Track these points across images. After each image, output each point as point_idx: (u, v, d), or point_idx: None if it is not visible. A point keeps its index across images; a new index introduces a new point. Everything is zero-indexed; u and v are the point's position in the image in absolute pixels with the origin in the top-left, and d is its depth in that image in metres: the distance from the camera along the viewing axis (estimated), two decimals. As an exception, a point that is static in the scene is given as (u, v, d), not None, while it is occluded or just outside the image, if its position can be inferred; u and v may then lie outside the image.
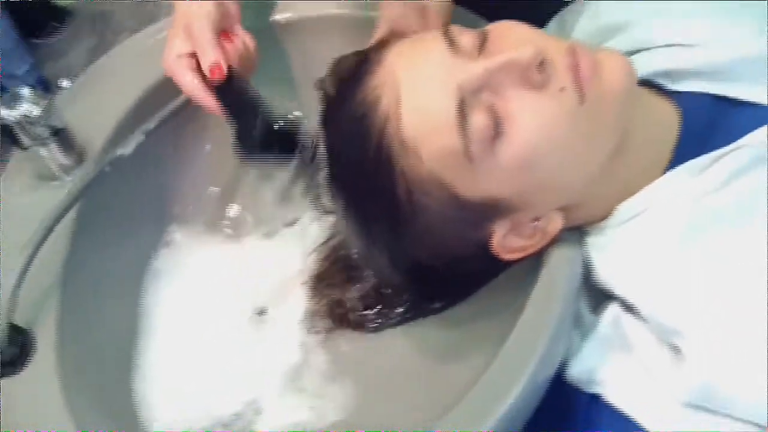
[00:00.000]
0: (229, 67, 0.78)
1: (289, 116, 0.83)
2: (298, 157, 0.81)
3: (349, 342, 0.89)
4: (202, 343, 0.90)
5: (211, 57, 0.77)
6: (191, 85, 0.79)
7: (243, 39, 0.83)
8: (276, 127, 0.82)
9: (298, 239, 0.95)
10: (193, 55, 0.79)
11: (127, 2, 1.11)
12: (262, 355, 0.89)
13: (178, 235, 0.97)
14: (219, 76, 0.77)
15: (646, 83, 0.79)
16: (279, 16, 0.97)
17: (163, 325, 0.91)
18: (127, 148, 0.84)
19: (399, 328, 0.88)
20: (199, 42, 0.78)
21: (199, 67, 0.79)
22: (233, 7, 0.83)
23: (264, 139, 0.81)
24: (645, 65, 0.78)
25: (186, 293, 0.94)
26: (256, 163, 0.84)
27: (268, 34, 0.96)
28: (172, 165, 0.96)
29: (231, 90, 0.80)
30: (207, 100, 0.79)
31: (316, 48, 0.96)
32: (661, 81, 0.78)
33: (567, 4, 0.90)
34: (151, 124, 0.85)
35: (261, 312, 0.92)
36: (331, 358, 0.88)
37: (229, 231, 0.98)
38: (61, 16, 1.10)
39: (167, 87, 0.90)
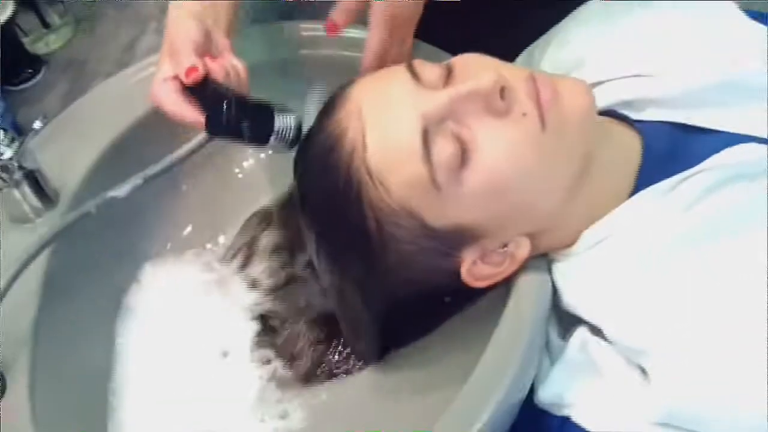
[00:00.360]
0: (208, 75, 0.78)
1: (266, 101, 0.81)
2: (274, 140, 0.80)
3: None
4: (174, 385, 0.90)
5: (187, 62, 0.77)
6: (171, 102, 0.79)
7: (231, 61, 0.82)
8: (248, 104, 0.80)
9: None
10: (177, 78, 0.79)
11: (101, 50, 1.13)
12: (226, 394, 0.89)
13: (150, 272, 0.97)
14: (194, 77, 0.77)
15: (609, 113, 0.81)
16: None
17: (137, 366, 0.90)
18: (121, 191, 0.82)
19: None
20: (177, 53, 0.79)
21: (182, 89, 0.79)
22: (220, 37, 0.83)
23: (235, 116, 0.79)
24: (607, 96, 0.80)
25: (158, 331, 0.93)
26: (227, 140, 0.83)
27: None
28: (150, 205, 0.97)
29: (208, 94, 0.79)
30: (188, 113, 0.79)
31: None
32: (624, 111, 0.80)
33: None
34: (153, 170, 0.83)
35: (225, 354, 0.92)
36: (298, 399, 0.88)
37: (204, 268, 0.98)
38: (36, 63, 1.12)
39: (143, 129, 0.94)
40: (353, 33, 0.89)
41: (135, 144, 0.94)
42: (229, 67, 0.81)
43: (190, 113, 0.79)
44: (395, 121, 0.70)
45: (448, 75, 0.72)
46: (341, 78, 0.79)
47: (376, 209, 0.71)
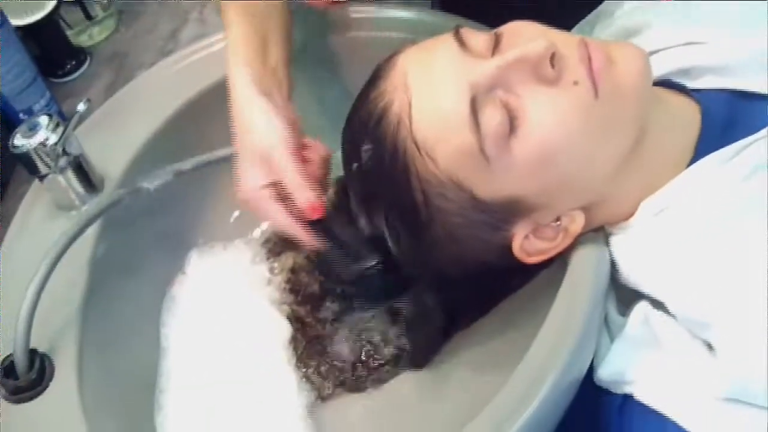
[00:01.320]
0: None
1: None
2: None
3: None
4: (221, 380, 0.90)
5: (309, 195, 0.76)
6: (282, 220, 0.78)
7: (318, 153, 0.81)
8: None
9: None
10: (274, 185, 0.77)
11: (144, 41, 1.14)
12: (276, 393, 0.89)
13: (196, 262, 0.97)
14: (319, 214, 0.77)
15: (665, 83, 0.79)
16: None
17: (183, 359, 0.91)
18: (152, 183, 0.84)
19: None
20: (291, 180, 0.76)
21: (281, 197, 0.77)
22: (295, 119, 0.81)
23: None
24: (662, 65, 0.78)
25: (204, 323, 0.93)
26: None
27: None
28: (195, 194, 0.97)
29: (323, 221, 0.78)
30: (301, 233, 0.78)
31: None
32: (680, 80, 0.78)
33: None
34: (185, 165, 0.85)
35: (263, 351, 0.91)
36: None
37: (251, 254, 0.98)
38: (80, 55, 1.13)
39: (185, 118, 0.94)
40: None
41: (178, 131, 0.94)
42: (319, 162, 0.80)
43: (305, 236, 0.78)
44: (442, 91, 0.68)
45: (496, 43, 0.71)
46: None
47: (423, 181, 0.70)
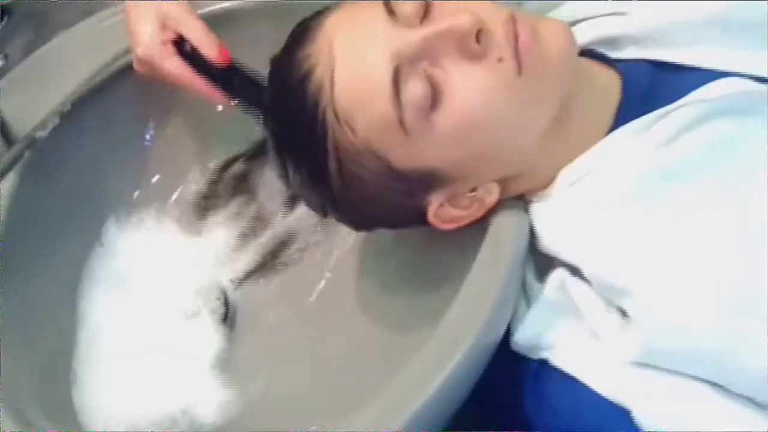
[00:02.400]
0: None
1: None
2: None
3: (283, 323, 0.91)
4: (138, 347, 0.91)
5: (216, 42, 0.86)
6: (184, 72, 0.86)
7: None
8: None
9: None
10: (174, 42, 0.86)
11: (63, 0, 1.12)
12: (192, 355, 0.90)
13: (114, 231, 0.97)
14: (227, 57, 0.86)
15: (587, 53, 0.80)
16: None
17: (100, 330, 0.91)
18: (44, 131, 0.85)
19: (338, 311, 0.89)
20: (195, 28, 0.86)
21: (179, 53, 0.86)
22: None
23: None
24: (584, 34, 0.79)
25: (123, 294, 0.94)
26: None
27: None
28: (108, 156, 0.97)
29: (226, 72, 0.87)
30: (196, 80, 0.87)
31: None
32: (602, 49, 0.80)
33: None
34: (66, 105, 0.87)
35: (193, 314, 0.93)
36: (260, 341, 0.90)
37: (173, 221, 0.99)
38: (-3, 14, 1.11)
39: (109, 78, 0.93)
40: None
41: (100, 92, 0.94)
42: None
43: (200, 82, 0.87)
44: (366, 58, 0.69)
45: (426, 12, 0.71)
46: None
47: (341, 149, 0.70)
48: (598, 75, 0.78)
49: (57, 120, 0.86)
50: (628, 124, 0.72)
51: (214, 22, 0.91)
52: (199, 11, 0.91)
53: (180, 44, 0.86)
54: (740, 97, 0.71)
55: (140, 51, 0.86)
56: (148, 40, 0.86)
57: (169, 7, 0.86)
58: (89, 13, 1.06)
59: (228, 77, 0.87)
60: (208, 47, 0.85)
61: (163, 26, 0.86)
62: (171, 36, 0.86)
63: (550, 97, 0.70)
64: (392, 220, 0.78)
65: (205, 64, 0.86)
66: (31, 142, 0.85)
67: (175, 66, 0.86)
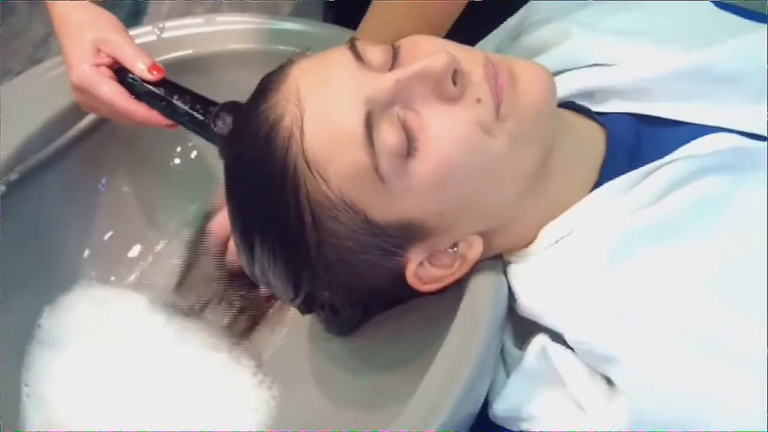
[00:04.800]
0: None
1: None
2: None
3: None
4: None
5: (147, 59, 0.87)
6: (118, 95, 0.86)
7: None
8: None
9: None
10: (109, 66, 0.87)
11: (11, 46, 1.10)
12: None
13: (68, 292, 0.95)
14: (159, 74, 0.86)
15: (569, 105, 0.79)
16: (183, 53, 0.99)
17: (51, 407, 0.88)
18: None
19: (312, 382, 0.87)
20: (126, 48, 0.87)
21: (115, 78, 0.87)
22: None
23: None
24: (566, 86, 0.79)
25: (76, 363, 0.91)
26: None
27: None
28: (60, 211, 0.95)
29: (163, 90, 0.87)
30: (132, 105, 0.86)
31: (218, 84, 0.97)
32: (584, 102, 0.79)
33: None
34: (12, 176, 0.87)
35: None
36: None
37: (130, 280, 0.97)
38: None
39: (53, 133, 0.92)
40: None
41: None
42: None
43: (136, 107, 0.87)
44: (336, 105, 0.67)
45: (395, 57, 0.70)
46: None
47: (313, 202, 0.68)
48: (580, 127, 0.77)
49: (3, 188, 0.86)
50: (613, 181, 0.71)
51: (185, 67, 0.92)
52: (169, 55, 0.94)
53: (118, 71, 0.87)
54: (732, 154, 0.70)
55: (74, 76, 0.86)
56: (82, 65, 0.86)
57: (106, 29, 0.88)
58: (37, 61, 1.05)
59: (166, 96, 0.87)
60: (139, 63, 0.86)
61: (97, 50, 0.86)
62: (106, 60, 0.87)
63: (530, 141, 0.69)
64: (369, 287, 0.75)
65: (142, 86, 0.87)
66: None
67: (108, 91, 0.86)
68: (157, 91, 0.86)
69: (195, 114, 0.86)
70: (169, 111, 0.87)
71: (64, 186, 0.94)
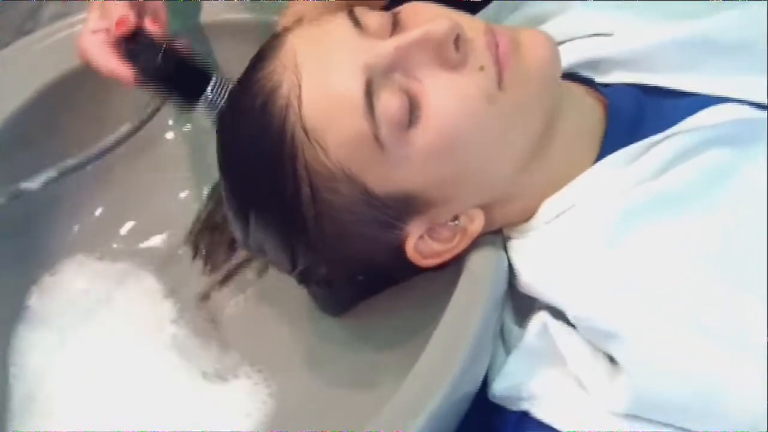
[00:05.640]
0: (140, 27, 0.80)
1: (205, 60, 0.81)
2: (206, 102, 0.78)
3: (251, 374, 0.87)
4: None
5: (117, 13, 0.79)
6: (101, 54, 0.81)
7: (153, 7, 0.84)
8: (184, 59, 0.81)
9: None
10: (107, 31, 0.81)
11: (1, 18, 1.10)
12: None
13: (54, 271, 0.94)
14: (124, 28, 0.79)
15: (571, 76, 0.78)
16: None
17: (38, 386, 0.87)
18: (34, 183, 0.80)
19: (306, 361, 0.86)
20: (107, 5, 0.81)
21: (113, 43, 0.81)
22: None
23: (166, 68, 0.80)
24: (567, 56, 0.78)
25: (64, 343, 0.90)
26: (157, 93, 0.84)
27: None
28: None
29: (140, 47, 0.80)
30: (117, 66, 0.80)
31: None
32: (587, 73, 0.78)
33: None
34: (70, 163, 0.81)
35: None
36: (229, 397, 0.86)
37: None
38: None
39: (43, 103, 0.92)
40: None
41: (35, 117, 0.91)
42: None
43: (120, 67, 0.80)
44: (335, 72, 0.66)
45: (395, 24, 0.69)
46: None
47: (312, 172, 0.67)
48: (582, 98, 0.76)
49: (55, 175, 0.81)
50: (615, 154, 0.70)
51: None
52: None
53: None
54: (736, 125, 0.70)
55: (79, 43, 0.83)
56: (83, 29, 0.83)
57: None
58: (27, 33, 1.04)
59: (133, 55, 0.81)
60: (111, 17, 0.80)
61: (102, 16, 0.82)
62: (105, 25, 0.81)
63: (533, 111, 0.69)
64: (367, 262, 0.74)
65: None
66: (17, 194, 0.80)
67: (93, 53, 0.81)
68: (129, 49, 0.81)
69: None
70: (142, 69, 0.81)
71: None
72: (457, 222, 0.70)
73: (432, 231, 0.71)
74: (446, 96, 0.66)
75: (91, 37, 0.81)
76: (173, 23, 0.86)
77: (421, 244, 0.71)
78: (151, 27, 0.81)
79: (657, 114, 0.73)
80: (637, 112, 0.74)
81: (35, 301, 0.92)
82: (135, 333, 0.90)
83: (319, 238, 0.71)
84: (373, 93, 0.65)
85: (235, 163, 0.73)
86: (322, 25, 0.71)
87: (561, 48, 0.77)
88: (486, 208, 0.70)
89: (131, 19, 0.79)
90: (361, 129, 0.65)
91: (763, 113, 0.71)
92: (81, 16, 0.93)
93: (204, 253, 0.95)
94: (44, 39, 0.96)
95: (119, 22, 0.79)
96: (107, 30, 0.81)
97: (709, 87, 0.74)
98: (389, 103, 0.65)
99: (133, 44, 0.80)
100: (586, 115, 0.74)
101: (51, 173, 0.81)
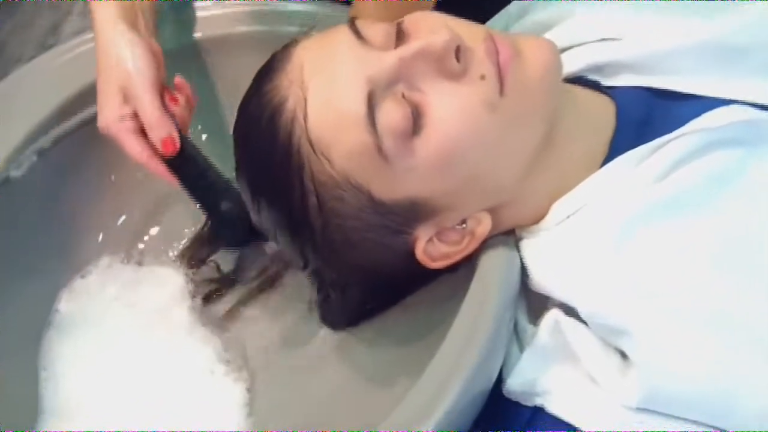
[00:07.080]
0: (180, 135, 0.80)
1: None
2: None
3: (272, 370, 0.89)
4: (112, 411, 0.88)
5: (162, 131, 0.79)
6: (139, 153, 0.80)
7: (186, 94, 0.84)
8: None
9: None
10: (135, 117, 0.80)
11: (23, 34, 1.12)
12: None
13: (84, 276, 0.96)
14: (172, 150, 0.79)
15: (578, 80, 0.80)
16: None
17: (68, 390, 0.89)
18: (18, 171, 0.83)
19: (320, 356, 0.88)
20: (145, 111, 0.79)
21: (142, 129, 0.80)
22: (159, 52, 0.83)
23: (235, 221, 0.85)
24: (575, 61, 0.80)
25: (93, 347, 0.92)
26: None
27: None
28: (74, 195, 0.96)
29: (182, 159, 0.81)
30: (158, 168, 0.81)
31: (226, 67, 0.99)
32: (594, 77, 0.80)
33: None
34: (45, 143, 0.85)
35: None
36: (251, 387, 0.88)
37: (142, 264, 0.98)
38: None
39: (66, 113, 0.93)
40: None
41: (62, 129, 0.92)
42: (184, 104, 0.84)
43: (161, 170, 0.81)
44: (338, 87, 0.68)
45: (398, 35, 0.71)
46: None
47: (318, 183, 0.70)
48: (588, 101, 0.78)
49: (35, 159, 0.85)
50: (623, 155, 0.72)
51: (193, 51, 0.92)
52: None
53: None
54: (743, 127, 0.71)
55: (100, 123, 0.81)
56: (107, 114, 0.80)
57: (134, 78, 0.79)
58: (48, 48, 1.06)
59: (181, 165, 0.82)
60: (156, 134, 0.79)
61: (125, 99, 0.80)
62: (131, 111, 0.80)
63: (535, 117, 0.70)
64: (379, 267, 0.76)
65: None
66: (4, 181, 0.84)
67: (130, 145, 0.80)
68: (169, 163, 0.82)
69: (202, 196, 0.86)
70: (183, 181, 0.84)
71: (74, 170, 0.95)
72: (464, 225, 0.72)
73: (440, 234, 0.73)
74: (449, 106, 0.68)
75: (119, 124, 0.80)
76: (168, 42, 0.88)
77: (429, 247, 0.73)
78: (173, 108, 0.81)
79: (665, 116, 0.75)
80: (645, 114, 0.76)
81: (64, 305, 0.94)
82: (166, 338, 0.92)
83: (328, 246, 0.73)
84: (375, 105, 0.67)
85: (248, 171, 0.76)
86: (326, 37, 0.73)
87: (570, 53, 0.80)
88: (493, 211, 0.72)
89: (176, 140, 0.79)
90: (364, 142, 0.67)
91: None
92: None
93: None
94: (65, 53, 0.97)
95: (165, 143, 0.79)
96: (133, 117, 0.79)
97: (717, 89, 0.75)
98: (391, 114, 0.67)
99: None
100: (592, 117, 0.76)
101: (31, 158, 0.86)
